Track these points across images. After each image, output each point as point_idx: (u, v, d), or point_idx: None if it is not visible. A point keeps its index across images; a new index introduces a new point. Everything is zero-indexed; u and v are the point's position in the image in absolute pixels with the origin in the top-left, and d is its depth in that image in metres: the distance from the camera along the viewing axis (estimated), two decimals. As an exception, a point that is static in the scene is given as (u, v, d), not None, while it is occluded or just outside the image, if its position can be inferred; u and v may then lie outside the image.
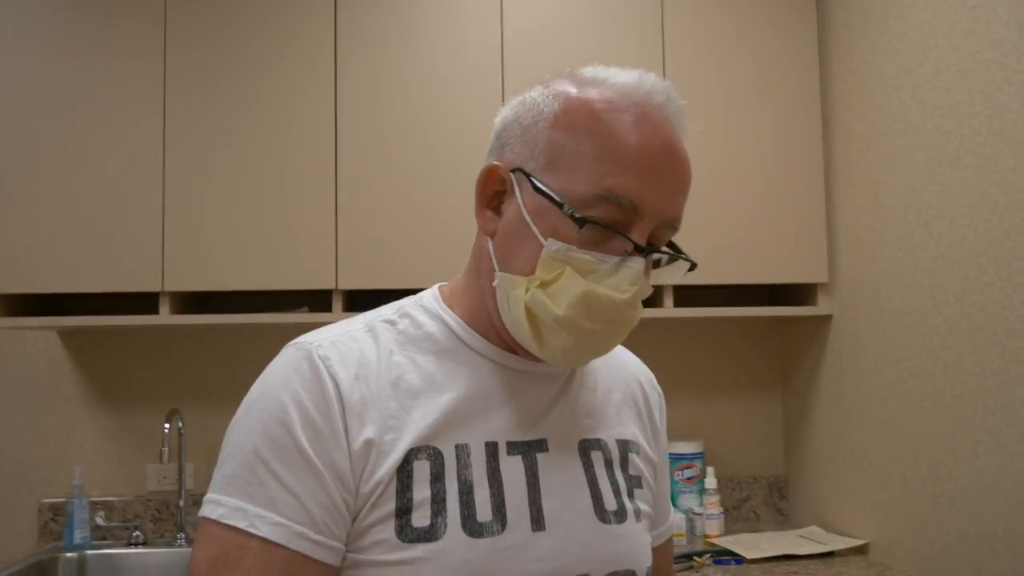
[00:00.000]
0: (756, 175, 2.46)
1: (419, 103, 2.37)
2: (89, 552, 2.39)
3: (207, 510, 0.83)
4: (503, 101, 2.35)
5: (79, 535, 2.41)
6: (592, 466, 0.96)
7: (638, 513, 0.99)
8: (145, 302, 2.40)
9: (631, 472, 1.01)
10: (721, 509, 2.48)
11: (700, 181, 2.43)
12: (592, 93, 0.89)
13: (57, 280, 2.27)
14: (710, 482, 2.50)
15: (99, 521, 2.49)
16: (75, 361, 2.60)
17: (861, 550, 2.28)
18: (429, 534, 0.84)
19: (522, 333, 0.89)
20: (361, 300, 2.47)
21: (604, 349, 0.90)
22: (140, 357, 2.61)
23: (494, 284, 0.91)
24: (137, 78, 2.32)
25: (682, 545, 2.37)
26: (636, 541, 0.97)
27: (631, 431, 1.04)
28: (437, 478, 0.86)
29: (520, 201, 0.89)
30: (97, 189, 2.29)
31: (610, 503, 0.95)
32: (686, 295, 2.56)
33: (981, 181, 1.86)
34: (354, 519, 0.85)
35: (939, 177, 2.00)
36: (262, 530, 0.80)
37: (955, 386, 1.94)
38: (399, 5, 2.40)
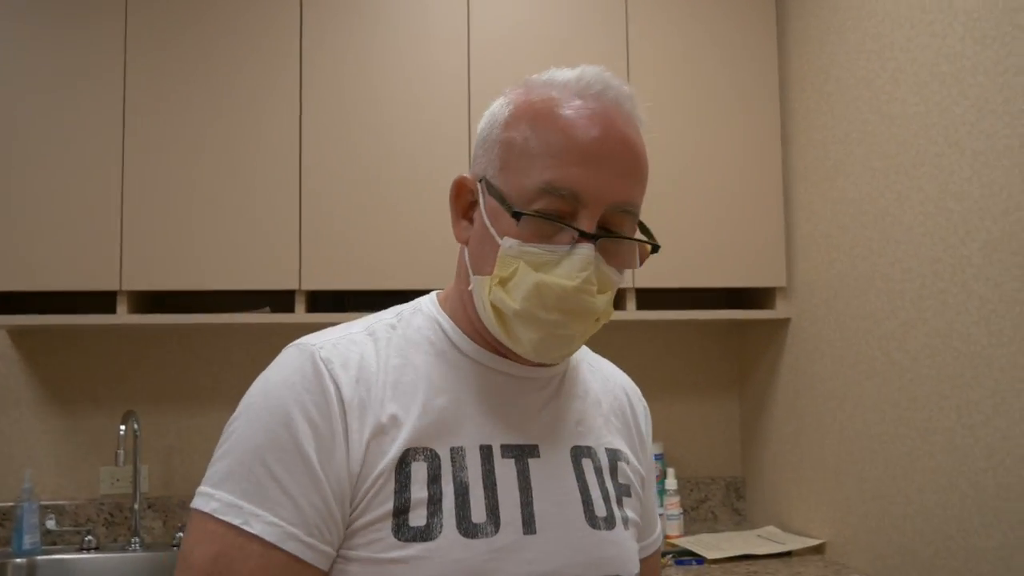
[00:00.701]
0: (717, 182, 2.50)
1: (385, 104, 2.36)
2: (39, 558, 2.33)
3: (200, 502, 0.84)
4: (469, 103, 2.36)
5: (28, 540, 2.34)
6: (583, 473, 0.98)
7: (626, 521, 1.01)
8: (101, 301, 2.35)
9: (620, 480, 1.03)
10: (681, 510, 2.51)
11: (662, 188, 2.46)
12: (536, 94, 0.93)
13: (10, 278, 2.21)
14: (670, 483, 2.53)
15: (49, 525, 2.42)
16: (25, 361, 2.53)
17: (818, 549, 2.33)
18: (425, 533, 0.85)
19: (495, 331, 0.92)
20: (323, 301, 2.44)
21: (573, 339, 0.91)
22: (94, 357, 2.55)
23: (469, 289, 0.95)
24: (97, 71, 2.27)
25: (643, 546, 2.39)
26: (624, 547, 0.99)
27: (619, 442, 1.06)
28: (434, 479, 0.88)
29: (483, 207, 0.93)
30: (54, 184, 2.24)
31: (600, 509, 0.97)
32: (648, 298, 2.58)
33: (937, 190, 1.92)
34: (350, 519, 0.86)
35: (896, 185, 2.06)
36: (256, 528, 0.81)
37: (910, 388, 2.00)
38: (365, 6, 2.39)
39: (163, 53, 2.30)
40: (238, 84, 2.32)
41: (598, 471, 1.00)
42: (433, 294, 1.04)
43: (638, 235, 0.96)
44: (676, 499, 2.50)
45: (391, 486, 0.86)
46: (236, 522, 0.81)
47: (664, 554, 2.28)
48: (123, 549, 2.40)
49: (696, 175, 2.49)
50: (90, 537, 2.38)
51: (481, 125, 0.98)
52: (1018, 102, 1.69)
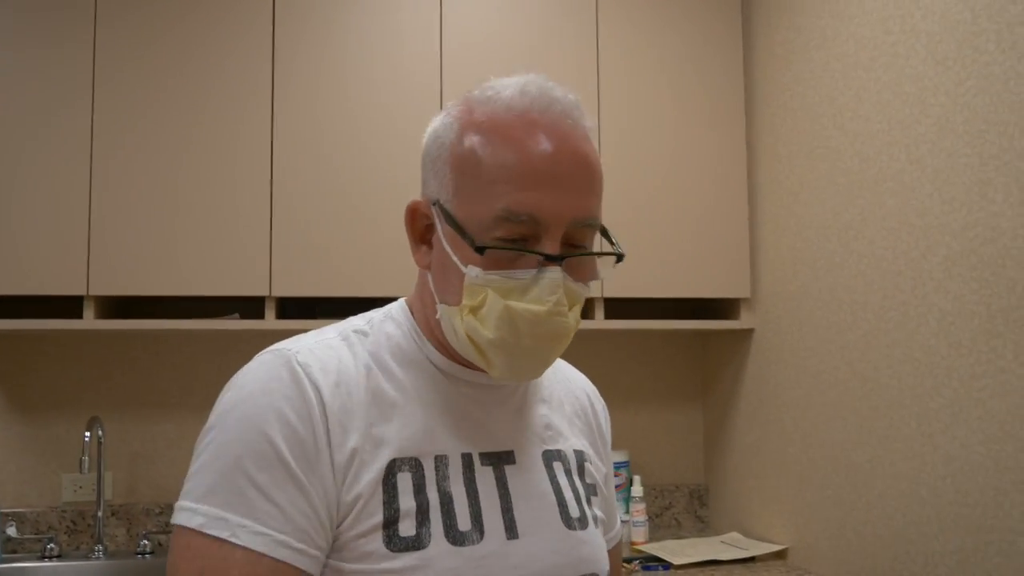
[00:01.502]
0: (684, 194, 2.55)
1: (357, 111, 2.37)
2: (-1, 566, 2.29)
3: (183, 518, 0.82)
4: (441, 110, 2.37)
5: (-12, 549, 2.30)
6: (556, 476, 1.01)
7: (595, 519, 1.04)
8: (67, 306, 2.31)
9: (588, 480, 1.06)
10: (646, 516, 2.55)
11: (629, 199, 2.51)
12: (480, 114, 0.91)
13: (-27, 281, 2.17)
14: (636, 490, 2.56)
15: (10, 533, 2.38)
16: (-14, 366, 2.48)
17: (781, 555, 2.38)
18: (416, 543, 0.86)
19: (471, 357, 0.92)
20: (293, 307, 2.44)
21: (547, 361, 0.93)
22: (58, 362, 2.51)
23: (437, 317, 0.94)
24: (65, 73, 2.24)
25: (610, 552, 2.42)
26: (597, 545, 1.02)
27: (583, 442, 1.09)
28: (420, 489, 0.89)
29: (441, 234, 0.92)
30: (20, 188, 2.20)
31: (574, 510, 1.00)
32: (616, 308, 2.62)
33: (899, 205, 1.98)
34: (337, 528, 0.86)
35: (859, 200, 2.12)
36: (243, 539, 0.80)
37: (871, 397, 2.06)
38: (338, 12, 2.39)
39: (133, 56, 2.28)
40: (209, 89, 2.31)
41: (568, 473, 1.02)
42: (403, 301, 1.03)
43: (603, 246, 0.97)
44: (642, 506, 2.54)
45: (379, 497, 0.86)
46: (224, 535, 0.80)
47: (630, 560, 2.32)
48: (86, 557, 2.36)
49: (663, 187, 2.54)
50: (52, 545, 2.35)
51: (425, 143, 0.96)
52: (977, 122, 1.76)
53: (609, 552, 1.14)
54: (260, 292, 2.30)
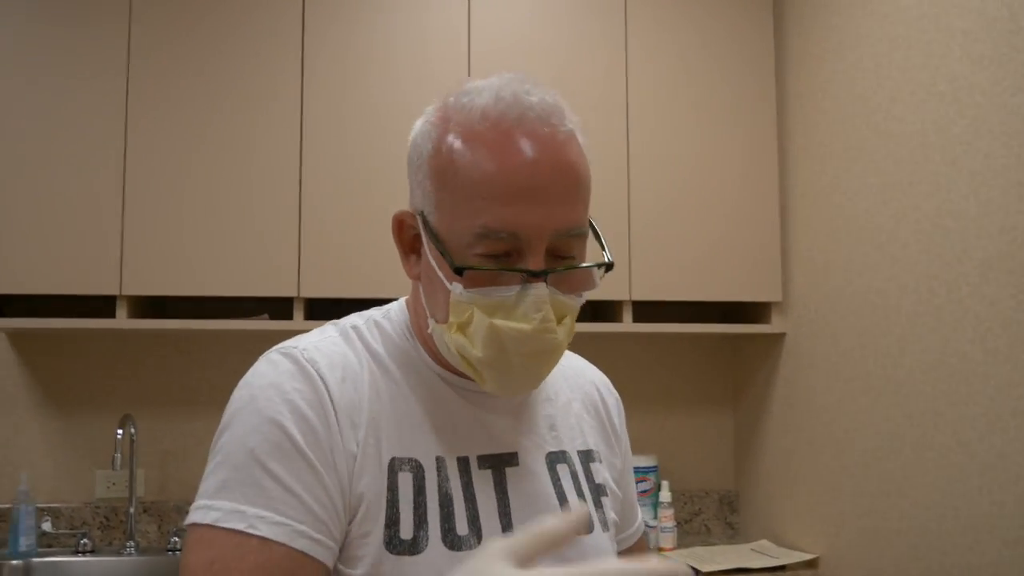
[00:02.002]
0: (714, 197, 2.52)
1: (384, 113, 2.38)
2: (35, 560, 2.33)
3: (198, 516, 0.80)
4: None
5: (24, 542, 2.34)
6: (559, 479, 0.98)
7: (604, 523, 1.01)
8: (101, 305, 2.35)
9: (596, 481, 1.03)
10: (675, 522, 2.52)
11: (659, 201, 2.48)
12: (455, 123, 0.86)
13: (9, 281, 2.22)
14: (664, 495, 2.53)
15: (45, 528, 2.42)
16: (24, 364, 2.53)
17: (811, 564, 2.34)
18: (413, 546, 0.85)
19: (466, 371, 0.90)
20: (322, 308, 2.45)
21: (538, 378, 0.91)
22: (92, 361, 2.56)
23: (429, 332, 0.92)
24: (100, 77, 2.28)
25: (637, 557, 2.39)
26: (603, 550, 0.99)
27: (592, 440, 1.06)
28: (419, 491, 0.87)
29: (426, 247, 0.89)
30: (56, 189, 2.25)
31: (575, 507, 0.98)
32: (644, 311, 2.60)
33: (933, 208, 1.93)
34: (349, 523, 0.84)
35: (892, 203, 2.07)
36: (262, 530, 0.78)
37: (905, 405, 2.01)
38: (366, 15, 2.40)
39: (165, 59, 2.31)
40: (239, 92, 2.33)
41: (573, 476, 1.00)
42: (403, 301, 1.00)
43: (589, 256, 0.91)
44: (670, 512, 2.51)
45: (384, 497, 0.85)
46: (240, 527, 0.78)
47: (658, 566, 2.29)
48: (118, 553, 2.40)
49: (693, 189, 2.51)
50: (85, 540, 2.39)
51: (409, 149, 0.93)
52: (1015, 122, 1.71)
53: (628, 551, 1.12)
54: (289, 293, 2.31)
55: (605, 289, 2.40)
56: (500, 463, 0.94)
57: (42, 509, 2.46)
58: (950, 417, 1.87)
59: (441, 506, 0.87)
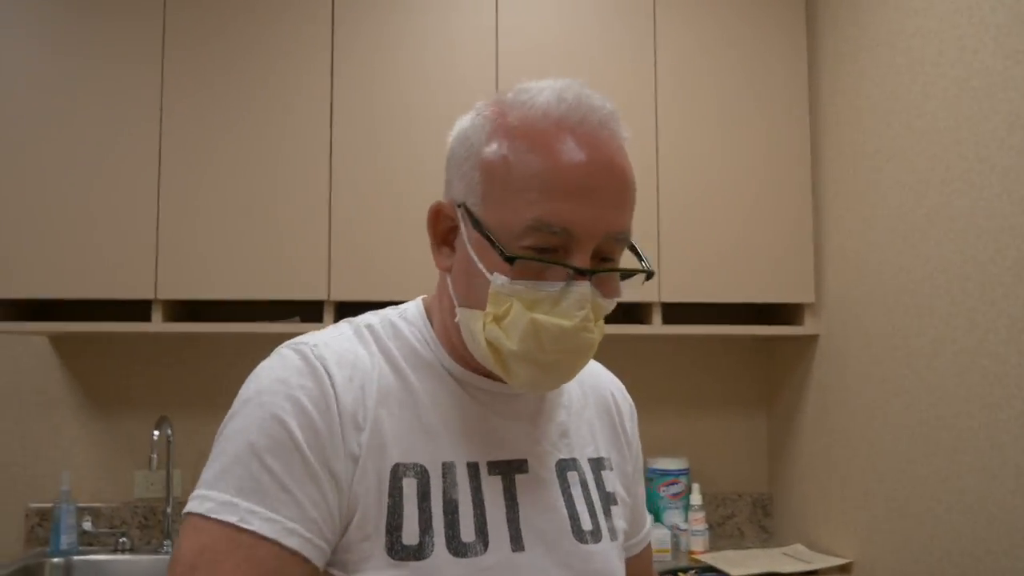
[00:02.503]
0: (746, 196, 2.49)
1: (413, 118, 2.39)
2: (75, 558, 2.39)
3: (193, 505, 0.81)
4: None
5: (65, 541, 2.41)
6: (569, 487, 0.97)
7: (613, 532, 1.00)
8: (137, 309, 2.41)
9: (607, 489, 1.02)
10: (706, 525, 2.50)
11: (690, 202, 2.46)
12: (515, 117, 0.87)
13: (50, 286, 2.28)
14: (695, 498, 2.51)
15: (86, 527, 2.48)
16: (65, 367, 2.60)
17: (844, 569, 2.30)
18: (418, 552, 0.84)
19: (489, 364, 0.89)
20: (351, 311, 2.47)
21: (569, 375, 0.90)
22: (130, 364, 2.62)
23: (456, 320, 0.91)
24: (134, 85, 2.33)
25: (666, 561, 2.38)
26: (610, 559, 0.98)
27: (604, 447, 1.05)
28: (424, 496, 0.86)
29: (466, 238, 0.89)
30: (92, 196, 2.30)
31: (586, 523, 0.96)
32: (674, 312, 2.58)
33: (967, 206, 1.89)
34: (345, 527, 0.84)
35: (926, 201, 2.03)
36: (253, 524, 0.78)
37: (938, 407, 1.97)
38: (395, 19, 2.42)
39: (197, 68, 2.35)
40: (271, 100, 2.37)
41: (583, 484, 0.99)
42: (419, 300, 1.00)
43: (629, 261, 0.93)
44: (701, 515, 2.49)
45: (385, 501, 0.84)
46: (232, 519, 0.78)
47: (687, 569, 2.27)
48: (156, 551, 2.45)
49: (725, 190, 2.49)
50: (124, 539, 2.44)
51: (452, 145, 0.94)
52: (1048, 119, 1.67)
53: (636, 556, 1.12)
54: (319, 296, 2.34)
55: (635, 291, 2.39)
56: (510, 470, 0.93)
57: (83, 509, 2.52)
58: (984, 420, 1.83)
59: (446, 512, 0.87)
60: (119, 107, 2.33)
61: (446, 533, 0.86)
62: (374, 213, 2.36)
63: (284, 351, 0.89)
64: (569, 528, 0.94)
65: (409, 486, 0.86)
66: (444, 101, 2.40)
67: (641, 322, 2.48)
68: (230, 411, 0.86)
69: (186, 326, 2.34)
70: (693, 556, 2.44)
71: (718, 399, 2.82)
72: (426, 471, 0.87)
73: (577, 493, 0.98)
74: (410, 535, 0.84)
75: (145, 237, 2.30)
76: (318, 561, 0.82)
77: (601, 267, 0.87)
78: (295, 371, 0.86)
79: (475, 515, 0.88)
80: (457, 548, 0.86)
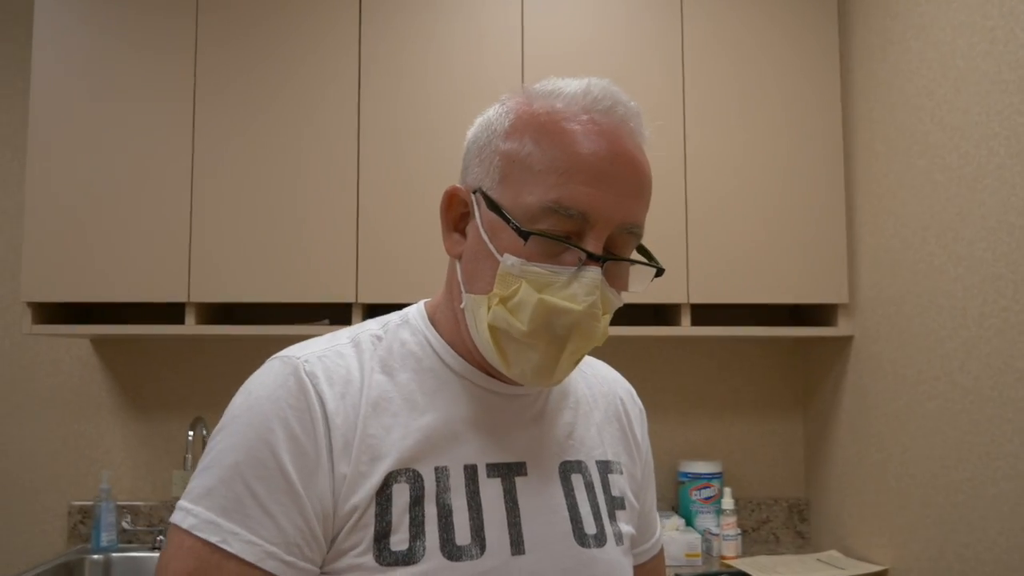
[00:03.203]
0: (777, 194, 2.45)
1: (439, 122, 2.41)
2: (115, 555, 2.45)
3: (178, 517, 0.82)
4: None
5: (105, 538, 2.47)
6: (572, 490, 0.95)
7: (619, 536, 0.98)
8: (172, 312, 2.46)
9: (613, 493, 1.00)
10: (738, 530, 2.46)
11: (718, 201, 2.43)
12: (539, 106, 0.89)
13: (89, 290, 2.34)
14: (727, 503, 2.47)
15: (125, 525, 2.55)
16: (106, 369, 2.68)
17: (879, 576, 2.25)
18: (408, 557, 0.83)
19: (489, 353, 0.89)
20: (379, 313, 2.50)
21: (569, 365, 0.89)
22: (167, 366, 2.68)
23: (461, 307, 0.91)
24: (167, 94, 2.39)
25: (697, 566, 2.35)
26: (615, 564, 0.96)
27: (612, 450, 1.03)
28: (416, 501, 0.85)
29: (478, 221, 0.89)
30: (128, 204, 2.36)
31: (590, 527, 0.94)
32: (707, 315, 2.54)
33: (999, 204, 1.83)
34: (332, 541, 0.84)
35: (958, 199, 1.97)
36: (234, 547, 0.79)
37: (972, 411, 1.91)
38: (421, 22, 2.44)
39: (228, 77, 2.40)
40: (298, 104, 2.40)
41: (588, 486, 0.97)
42: (421, 304, 1.00)
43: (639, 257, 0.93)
44: (733, 519, 2.45)
45: (372, 509, 0.84)
46: (214, 540, 0.79)
47: (717, 574, 2.24)
48: (191, 550, 2.50)
49: (757, 188, 2.45)
50: (162, 537, 2.50)
51: (474, 132, 0.95)
52: (1080, 111, 1.61)
53: (646, 564, 1.10)
54: (347, 299, 2.37)
55: (663, 292, 2.37)
56: (510, 472, 0.92)
57: (122, 507, 2.58)
58: (1018, 424, 1.76)
59: (440, 516, 0.86)
60: (152, 116, 2.38)
61: (440, 536, 0.85)
62: (401, 216, 2.38)
63: (274, 364, 0.89)
64: (571, 531, 0.93)
65: (400, 492, 0.85)
66: (470, 104, 2.40)
67: (669, 324, 2.46)
68: (221, 421, 0.87)
69: (217, 329, 2.39)
70: (724, 561, 2.40)
71: (752, 402, 2.77)
72: (419, 476, 0.86)
73: (581, 496, 0.96)
74: (399, 541, 0.83)
75: (178, 242, 2.36)
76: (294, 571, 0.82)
77: (615, 256, 0.87)
78: (284, 390, 0.85)
79: (471, 518, 0.87)
80: (452, 552, 0.85)
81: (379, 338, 0.94)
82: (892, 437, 2.23)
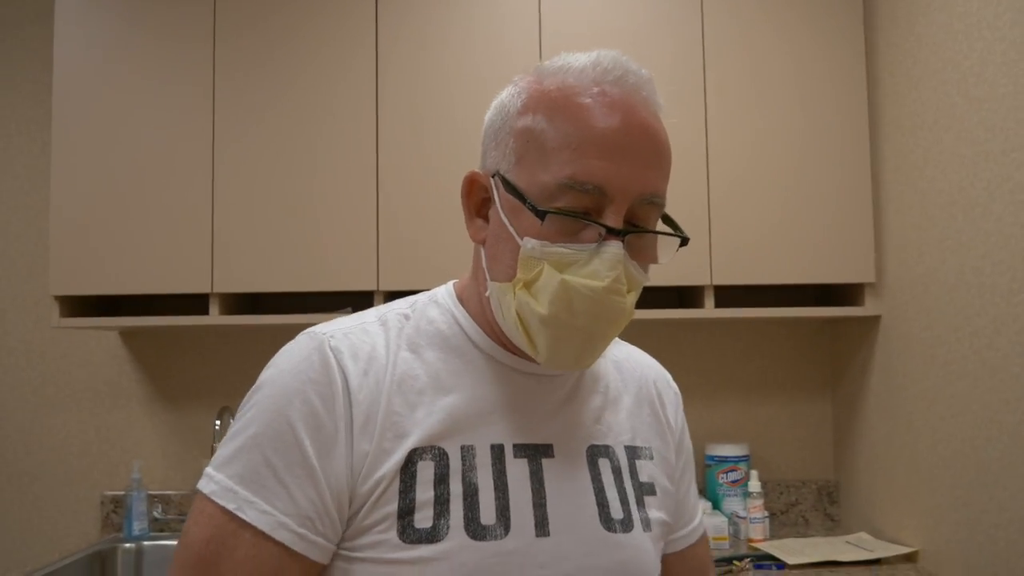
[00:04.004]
0: (801, 172, 2.41)
1: (459, 106, 2.40)
2: (146, 543, 2.49)
3: (203, 483, 0.84)
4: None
5: (137, 527, 2.51)
6: (600, 474, 0.94)
7: (647, 522, 0.96)
8: (197, 303, 2.49)
9: (642, 479, 0.99)
10: (766, 513, 2.44)
11: (741, 181, 2.40)
12: (550, 82, 0.88)
13: (115, 282, 2.37)
14: (754, 485, 2.45)
15: (156, 515, 2.59)
16: (135, 360, 2.71)
17: (910, 558, 2.21)
18: (431, 535, 0.83)
19: (518, 339, 0.88)
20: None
21: (599, 347, 0.87)
22: (194, 356, 2.71)
23: (486, 295, 0.91)
24: (186, 85, 2.40)
25: (724, 549, 2.34)
26: (642, 550, 0.94)
27: (643, 435, 1.02)
28: (441, 479, 0.85)
29: (498, 204, 0.89)
30: (150, 196, 2.39)
31: (616, 512, 0.93)
32: (729, 296, 2.52)
33: (1019, 184, 1.79)
34: (352, 518, 0.84)
35: (985, 173, 1.93)
36: (248, 515, 0.80)
37: (1002, 390, 1.87)
38: (439, 8, 2.43)
39: (247, 67, 2.41)
40: (317, 93, 2.41)
41: (616, 471, 0.96)
42: (450, 284, 1.00)
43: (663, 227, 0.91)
44: (760, 502, 2.43)
45: (396, 486, 0.83)
46: (231, 507, 0.81)
47: (743, 557, 2.22)
48: (221, 537, 2.53)
49: (779, 167, 2.41)
50: (192, 525, 2.53)
51: (489, 116, 0.94)
52: (1110, 80, 1.56)
53: (686, 551, 1.08)
54: (369, 287, 2.37)
55: (685, 273, 2.35)
56: (537, 453, 0.91)
57: (153, 496, 2.62)
58: (1049, 403, 1.73)
59: (465, 495, 0.85)
60: (174, 107, 2.40)
61: (465, 515, 0.84)
62: (420, 203, 2.38)
63: (301, 339, 0.90)
64: (597, 516, 0.91)
65: (425, 470, 0.85)
66: (490, 88, 2.37)
67: (693, 306, 2.43)
68: (250, 391, 0.88)
69: (240, 318, 2.41)
70: (752, 544, 2.38)
71: (779, 384, 2.74)
72: (444, 454, 0.86)
73: (608, 481, 0.94)
74: (423, 519, 0.83)
75: (201, 233, 2.38)
76: (313, 555, 0.83)
77: (634, 228, 0.85)
78: (307, 362, 0.86)
79: (497, 498, 0.86)
80: (476, 531, 0.84)
81: (407, 317, 0.94)
82: (921, 418, 2.20)
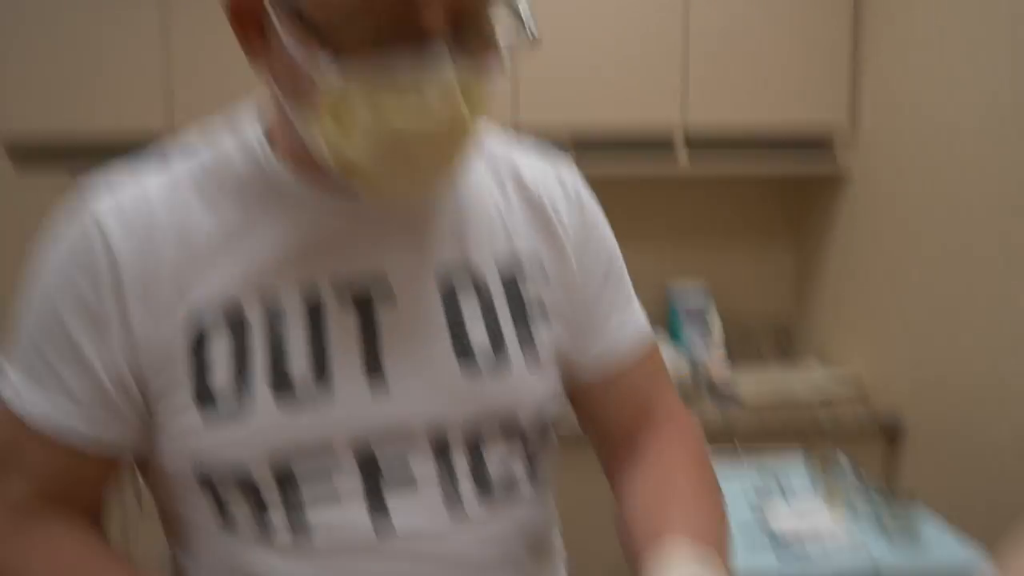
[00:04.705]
0: (781, 14, 2.38)
1: None
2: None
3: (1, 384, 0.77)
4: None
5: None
6: (456, 302, 0.79)
7: (535, 359, 0.81)
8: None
9: (526, 297, 0.82)
10: (723, 348, 2.55)
11: (713, 10, 2.35)
12: None
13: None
14: (713, 320, 2.56)
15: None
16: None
17: (855, 383, 2.39)
18: (233, 394, 0.73)
19: (347, 173, 0.71)
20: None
21: (439, 173, 0.72)
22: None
23: (294, 121, 0.72)
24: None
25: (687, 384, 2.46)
26: (519, 383, 0.80)
27: (523, 241, 0.84)
28: (240, 348, 0.74)
29: (277, 24, 0.66)
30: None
31: (479, 342, 0.79)
32: (703, 154, 2.47)
33: (1007, 37, 1.81)
34: (150, 400, 0.75)
35: (970, 14, 1.93)
36: (33, 413, 0.74)
37: (965, 234, 1.96)
38: None
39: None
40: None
41: (482, 290, 0.80)
42: (255, 104, 0.82)
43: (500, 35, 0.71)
44: (719, 337, 2.54)
45: (187, 365, 0.73)
46: (15, 406, 0.74)
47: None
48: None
49: (759, 5, 2.37)
50: None
51: None
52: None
53: (616, 377, 0.87)
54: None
55: (657, 114, 2.34)
56: (365, 291, 0.77)
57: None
58: (998, 248, 1.83)
59: (274, 360, 0.74)
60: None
61: (272, 381, 0.73)
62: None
63: (70, 217, 0.77)
64: (451, 350, 0.78)
65: (217, 327, 0.74)
66: None
67: (662, 162, 2.43)
68: (28, 273, 0.79)
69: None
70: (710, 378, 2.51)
71: (742, 235, 2.82)
72: (239, 305, 0.74)
73: (469, 308, 0.79)
74: (224, 394, 0.73)
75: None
76: (108, 453, 0.76)
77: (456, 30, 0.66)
78: (72, 245, 0.75)
79: (313, 354, 0.74)
80: (287, 399, 0.73)
81: (195, 153, 0.79)
82: (884, 262, 2.31)
